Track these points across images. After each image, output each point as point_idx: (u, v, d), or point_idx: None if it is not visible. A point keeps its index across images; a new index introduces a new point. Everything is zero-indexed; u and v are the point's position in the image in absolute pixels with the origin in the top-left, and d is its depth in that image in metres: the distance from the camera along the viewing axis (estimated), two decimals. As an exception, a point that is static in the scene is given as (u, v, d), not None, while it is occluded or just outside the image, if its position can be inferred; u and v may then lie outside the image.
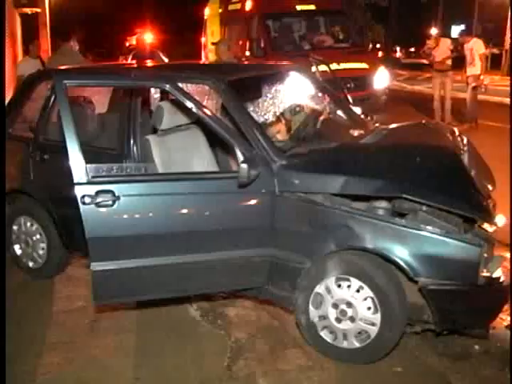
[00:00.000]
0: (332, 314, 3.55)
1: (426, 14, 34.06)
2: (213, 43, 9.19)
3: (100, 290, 3.56)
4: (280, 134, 4.73)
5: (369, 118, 5.16)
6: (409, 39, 37.36)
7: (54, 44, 15.77)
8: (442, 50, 11.67)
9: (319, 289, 3.56)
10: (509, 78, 20.33)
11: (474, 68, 11.21)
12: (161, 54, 10.93)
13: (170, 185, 3.61)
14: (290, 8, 11.88)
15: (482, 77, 11.25)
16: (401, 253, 3.29)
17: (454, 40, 11.94)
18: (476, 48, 11.18)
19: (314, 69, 6.02)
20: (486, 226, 3.54)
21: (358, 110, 5.22)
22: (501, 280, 3.31)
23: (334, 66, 9.60)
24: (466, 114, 11.60)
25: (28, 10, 17.40)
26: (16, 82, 9.30)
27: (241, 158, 3.50)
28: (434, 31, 12.31)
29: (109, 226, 3.48)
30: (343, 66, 10.03)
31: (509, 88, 14.31)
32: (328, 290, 3.54)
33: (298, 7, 11.90)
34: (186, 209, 3.64)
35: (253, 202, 3.66)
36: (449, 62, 11.71)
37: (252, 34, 11.74)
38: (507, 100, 14.21)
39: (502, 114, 11.71)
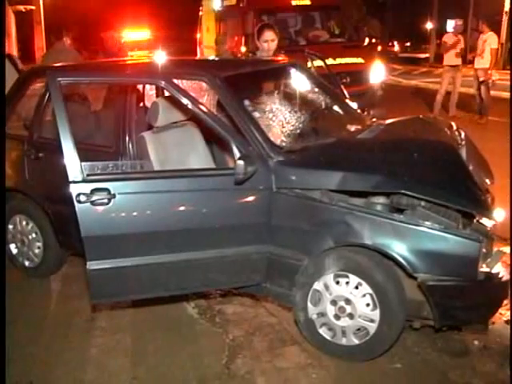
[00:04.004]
0: (330, 310, 3.53)
1: (421, 8, 34.00)
2: (216, 42, 9.17)
3: (96, 289, 3.54)
4: None
5: (365, 112, 5.13)
6: (404, 33, 37.32)
7: (48, 42, 15.74)
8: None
9: (317, 286, 3.54)
10: (505, 71, 20.34)
11: (482, 60, 11.29)
12: (127, 51, 10.83)
13: (166, 182, 3.58)
14: (285, 3, 11.82)
15: (489, 71, 11.29)
16: (399, 249, 3.27)
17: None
18: (490, 41, 11.26)
19: (309, 64, 5.98)
20: (484, 220, 3.52)
21: (354, 104, 5.19)
22: (500, 275, 3.29)
23: (329, 61, 9.58)
24: (481, 108, 11.58)
25: (22, 8, 17.36)
26: None
27: (237, 154, 3.48)
28: (451, 24, 12.10)
29: (104, 225, 3.45)
30: (339, 60, 10.00)
31: (505, 82, 14.27)
32: (326, 287, 3.52)
33: (294, 2, 11.84)
34: (183, 206, 3.61)
35: (250, 198, 3.63)
36: (459, 57, 11.77)
37: (247, 29, 11.68)
38: (504, 94, 14.18)
39: (499, 108, 11.70)
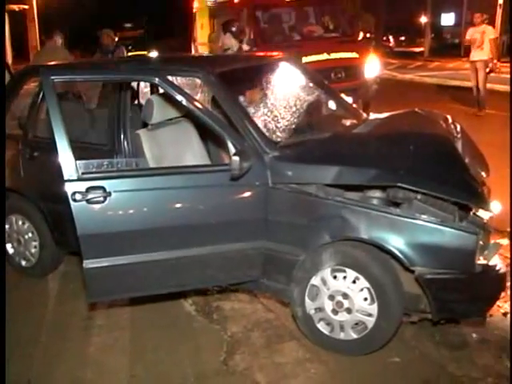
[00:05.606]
0: (328, 305, 3.52)
1: (415, 2, 34.02)
2: (209, 40, 9.23)
3: (93, 288, 3.53)
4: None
5: (359, 107, 5.14)
6: (399, 28, 37.36)
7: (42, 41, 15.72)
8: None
9: (315, 281, 3.53)
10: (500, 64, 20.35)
11: (482, 52, 11.29)
12: (123, 49, 10.79)
13: (161, 179, 3.58)
14: None
15: (494, 60, 11.35)
16: (396, 242, 3.27)
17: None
18: (488, 32, 11.32)
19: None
20: (481, 213, 3.52)
21: (349, 99, 5.19)
22: (497, 267, 3.29)
23: (324, 56, 9.59)
24: (479, 100, 11.57)
25: (15, 7, 17.30)
26: None
27: (232, 150, 3.47)
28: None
29: (100, 223, 3.44)
30: (334, 55, 10.01)
31: (501, 75, 14.28)
32: (324, 282, 3.51)
33: (288, -3, 11.81)
34: (179, 203, 3.60)
35: (246, 194, 3.63)
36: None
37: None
38: (497, 87, 14.19)
39: (495, 101, 11.71)
